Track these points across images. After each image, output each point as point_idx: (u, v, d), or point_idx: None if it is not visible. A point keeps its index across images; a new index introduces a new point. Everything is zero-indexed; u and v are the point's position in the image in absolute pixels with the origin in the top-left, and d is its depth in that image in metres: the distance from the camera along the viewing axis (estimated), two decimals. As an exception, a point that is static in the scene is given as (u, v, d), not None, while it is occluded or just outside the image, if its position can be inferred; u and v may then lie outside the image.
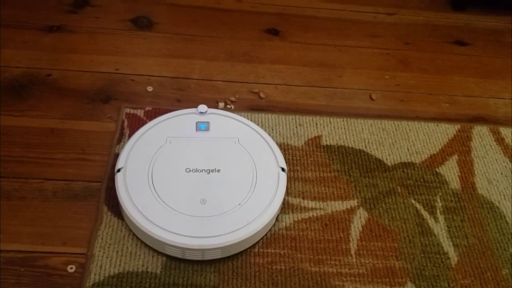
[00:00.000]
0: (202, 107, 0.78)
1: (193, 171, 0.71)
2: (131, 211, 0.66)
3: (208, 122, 0.77)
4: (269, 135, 0.79)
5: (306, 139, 0.83)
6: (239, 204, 0.68)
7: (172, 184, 0.69)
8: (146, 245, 0.68)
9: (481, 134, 0.87)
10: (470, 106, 0.93)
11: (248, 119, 0.80)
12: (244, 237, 0.65)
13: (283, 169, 0.73)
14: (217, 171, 0.71)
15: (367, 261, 0.69)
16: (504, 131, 0.87)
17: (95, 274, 0.65)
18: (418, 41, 1.05)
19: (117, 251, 0.67)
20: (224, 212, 0.67)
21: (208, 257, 0.66)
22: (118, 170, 0.70)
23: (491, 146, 0.85)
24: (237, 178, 0.71)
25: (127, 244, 0.68)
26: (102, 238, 0.68)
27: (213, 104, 0.87)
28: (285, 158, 0.78)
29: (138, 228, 0.65)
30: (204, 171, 0.71)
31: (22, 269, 0.65)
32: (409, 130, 0.86)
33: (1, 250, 0.67)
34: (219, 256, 0.66)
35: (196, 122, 0.77)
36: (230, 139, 0.75)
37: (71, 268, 0.66)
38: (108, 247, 0.67)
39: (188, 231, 0.65)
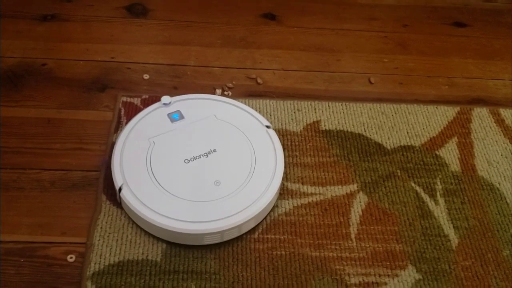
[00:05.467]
0: (165, 98, 0.76)
1: (192, 159, 0.70)
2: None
3: (178, 110, 0.76)
4: (268, 120, 0.78)
5: (305, 124, 0.82)
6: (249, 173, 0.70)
7: (173, 175, 0.69)
8: (146, 233, 0.68)
9: (480, 116, 0.86)
10: (469, 88, 0.92)
11: (246, 105, 0.80)
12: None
13: (268, 127, 0.74)
14: (214, 151, 0.71)
15: (368, 245, 0.69)
16: (504, 112, 0.87)
17: (95, 263, 0.65)
18: (416, 23, 1.04)
19: (117, 240, 0.67)
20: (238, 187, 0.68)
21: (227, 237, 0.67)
22: (120, 189, 0.68)
23: (491, 128, 0.84)
24: (235, 152, 0.72)
25: (126, 232, 0.68)
26: (101, 227, 0.68)
27: (210, 91, 0.87)
28: (283, 144, 0.77)
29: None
30: (201, 156, 0.70)
31: (22, 260, 0.65)
32: (409, 113, 0.85)
33: (0, 241, 0.66)
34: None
35: (168, 114, 0.76)
36: (208, 117, 0.75)
37: (71, 257, 0.66)
38: (108, 236, 0.67)
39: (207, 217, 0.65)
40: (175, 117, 0.75)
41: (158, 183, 0.67)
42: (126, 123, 0.76)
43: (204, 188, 0.68)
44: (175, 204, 0.66)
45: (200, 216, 0.65)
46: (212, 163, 0.70)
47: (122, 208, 0.69)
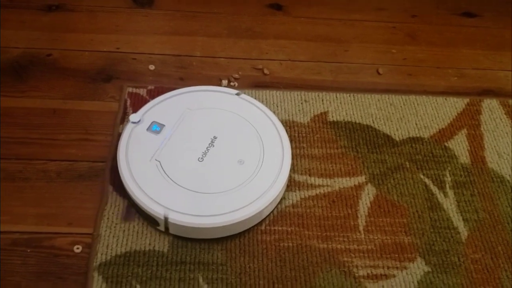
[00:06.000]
0: (134, 117, 0.71)
1: (203, 155, 0.69)
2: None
3: (154, 121, 0.72)
4: (274, 112, 0.77)
5: (312, 115, 0.81)
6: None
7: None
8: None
9: (491, 108, 0.85)
10: (479, 79, 0.91)
11: (252, 96, 0.79)
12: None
13: (237, 94, 0.75)
14: (215, 138, 0.71)
15: (376, 237, 0.68)
16: (514, 103, 0.85)
17: (101, 254, 0.64)
18: (425, 14, 1.02)
19: (124, 231, 0.67)
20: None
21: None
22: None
23: (501, 120, 0.83)
24: (238, 136, 0.71)
25: (133, 223, 0.67)
26: (108, 218, 0.68)
27: (216, 82, 0.86)
28: (290, 136, 0.77)
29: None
30: (207, 147, 0.70)
31: (28, 250, 0.65)
32: (417, 104, 0.84)
33: (6, 232, 0.66)
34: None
35: (148, 128, 0.71)
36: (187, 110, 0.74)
37: (78, 248, 0.65)
38: (114, 227, 0.67)
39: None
40: (155, 128, 0.71)
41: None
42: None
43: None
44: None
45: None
46: (220, 155, 0.70)
47: (128, 199, 0.69)
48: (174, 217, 0.63)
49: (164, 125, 0.72)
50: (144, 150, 0.69)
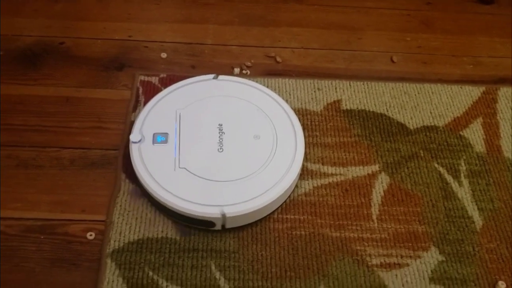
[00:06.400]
0: (134, 137, 0.68)
1: (220, 145, 0.69)
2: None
3: (156, 133, 0.70)
4: (286, 100, 0.77)
5: (325, 103, 0.81)
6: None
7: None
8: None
9: (507, 96, 0.83)
10: (495, 67, 0.89)
11: (264, 85, 0.78)
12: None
13: (215, 77, 0.76)
14: (220, 125, 0.71)
15: (389, 226, 0.68)
16: (532, 92, 0.84)
17: (114, 241, 0.65)
18: (440, 1, 1.01)
19: (136, 218, 0.67)
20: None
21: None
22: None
23: (517, 108, 0.82)
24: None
25: (146, 211, 0.67)
26: (120, 205, 0.68)
27: (228, 70, 0.85)
28: (303, 124, 0.76)
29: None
30: (221, 137, 0.70)
31: (42, 237, 0.65)
32: (432, 93, 0.83)
33: (20, 218, 0.67)
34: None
35: (153, 141, 0.69)
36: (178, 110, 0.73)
37: (91, 235, 0.66)
38: (127, 214, 0.67)
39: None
40: (161, 139, 0.69)
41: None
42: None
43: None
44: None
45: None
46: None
47: (141, 187, 0.69)
48: (230, 210, 0.63)
49: (167, 133, 0.70)
50: (163, 163, 0.67)
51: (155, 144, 0.69)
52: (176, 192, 0.64)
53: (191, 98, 0.74)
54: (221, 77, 0.77)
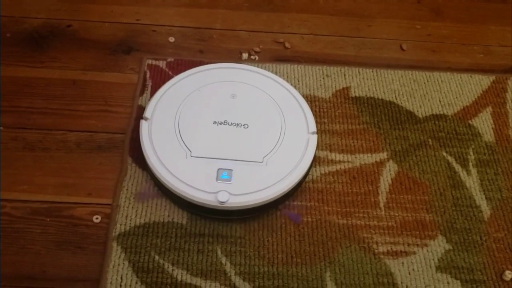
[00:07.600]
0: (222, 196, 0.62)
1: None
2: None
3: (230, 169, 0.65)
4: (295, 87, 0.76)
5: (334, 90, 0.80)
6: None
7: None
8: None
9: (517, 85, 0.83)
10: (506, 57, 0.88)
11: (272, 71, 0.78)
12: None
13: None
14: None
15: (397, 214, 0.68)
16: (543, 82, 0.83)
17: (120, 224, 0.65)
18: (451, -11, 0.99)
19: (143, 202, 0.67)
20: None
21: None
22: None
23: (528, 98, 0.81)
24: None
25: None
26: (127, 189, 0.68)
27: (236, 55, 0.85)
28: (312, 110, 0.75)
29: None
30: (232, 125, 0.69)
31: (48, 219, 0.65)
32: (441, 81, 0.82)
33: (26, 201, 0.67)
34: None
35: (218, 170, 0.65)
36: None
37: (97, 218, 0.66)
38: (134, 198, 0.67)
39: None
40: (224, 176, 0.65)
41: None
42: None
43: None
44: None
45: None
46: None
47: (147, 171, 0.69)
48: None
49: (231, 181, 0.65)
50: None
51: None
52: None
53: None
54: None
